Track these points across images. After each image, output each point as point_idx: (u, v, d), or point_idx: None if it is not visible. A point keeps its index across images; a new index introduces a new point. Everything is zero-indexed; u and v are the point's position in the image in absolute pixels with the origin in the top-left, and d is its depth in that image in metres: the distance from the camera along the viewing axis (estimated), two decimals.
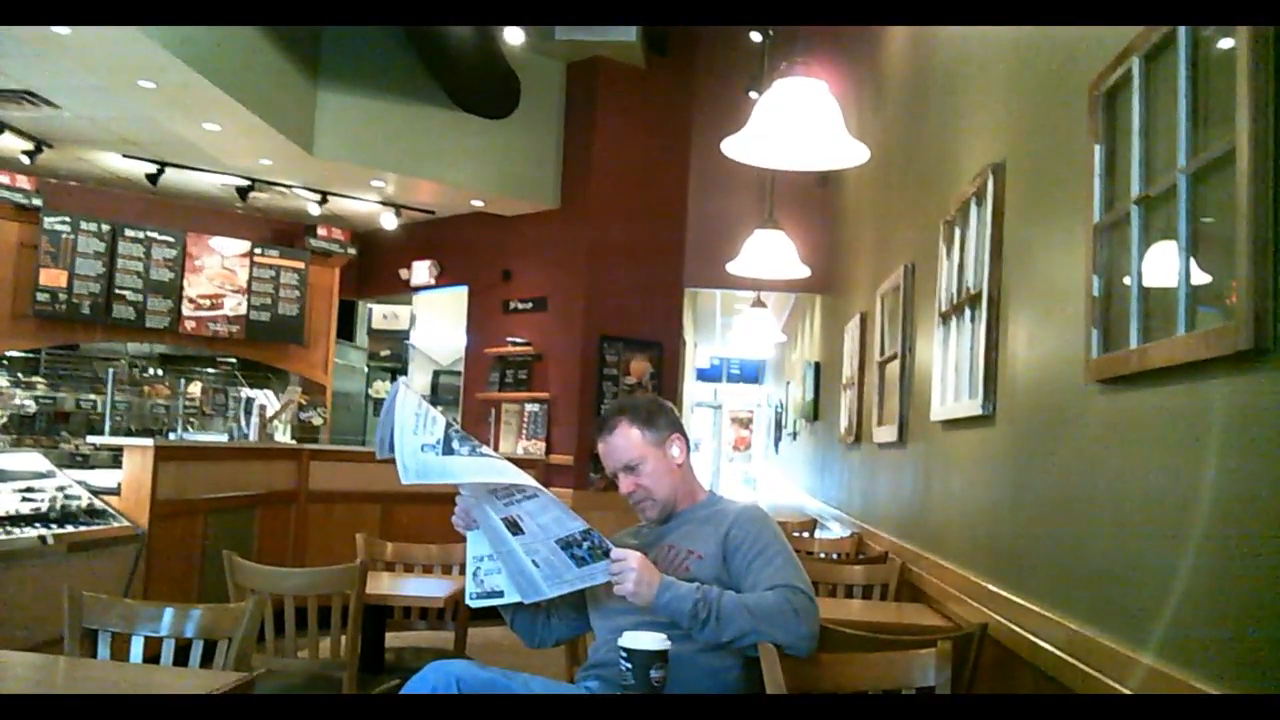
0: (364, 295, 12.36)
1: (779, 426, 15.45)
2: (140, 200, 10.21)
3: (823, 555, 5.82)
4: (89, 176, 10.01)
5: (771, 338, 11.35)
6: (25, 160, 8.91)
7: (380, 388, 13.45)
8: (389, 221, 10.32)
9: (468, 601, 2.68)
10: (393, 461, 2.34)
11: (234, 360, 10.87)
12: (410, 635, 4.80)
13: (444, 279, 10.82)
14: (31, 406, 9.19)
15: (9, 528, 4.84)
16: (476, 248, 10.27)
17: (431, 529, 4.42)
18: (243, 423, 8.52)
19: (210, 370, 11.08)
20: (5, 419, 8.80)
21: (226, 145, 8.16)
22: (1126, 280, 2.29)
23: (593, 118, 9.44)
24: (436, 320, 12.71)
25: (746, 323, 10.01)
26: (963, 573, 3.65)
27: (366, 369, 13.64)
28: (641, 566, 2.44)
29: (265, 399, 8.40)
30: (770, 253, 5.55)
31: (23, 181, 9.15)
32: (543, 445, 9.39)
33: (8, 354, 9.47)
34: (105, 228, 9.44)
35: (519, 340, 9.70)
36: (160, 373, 10.63)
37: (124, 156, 9.19)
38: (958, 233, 4.01)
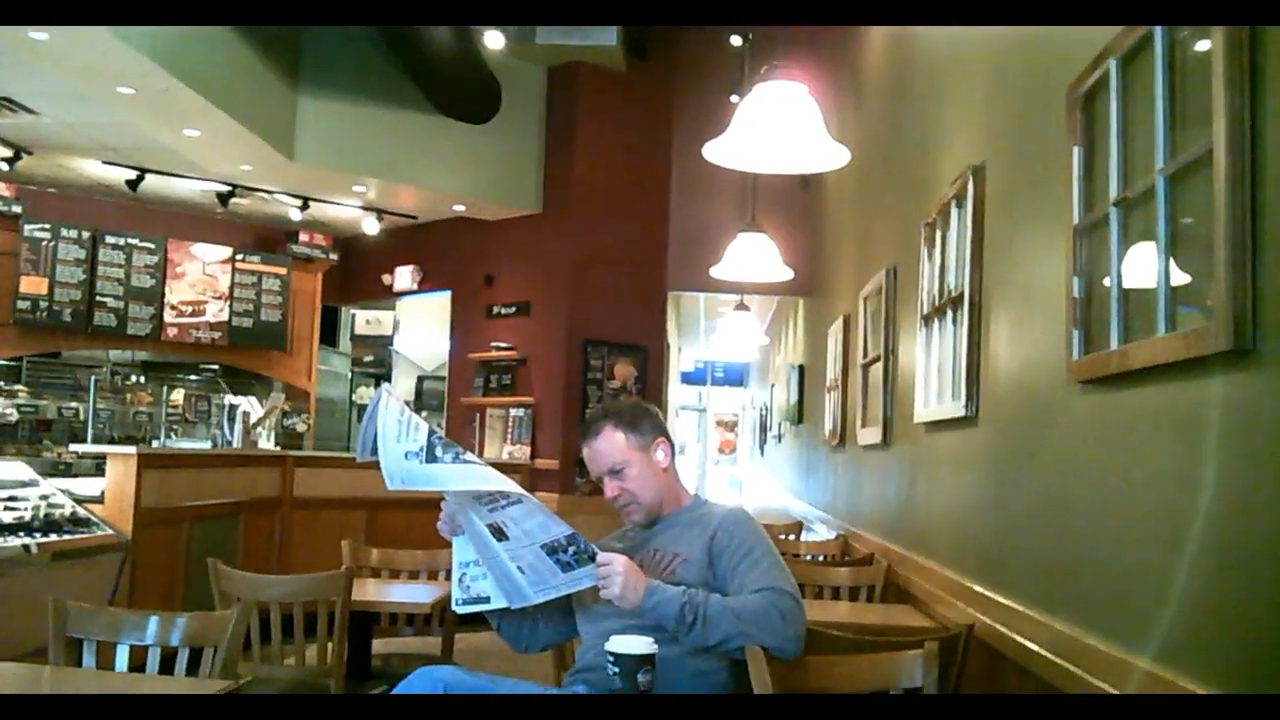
0: (347, 301, 12.32)
1: (764, 429, 15.47)
2: (120, 207, 10.17)
3: (809, 558, 5.83)
4: (69, 183, 9.96)
5: (755, 341, 11.36)
6: (4, 167, 8.86)
7: (364, 393, 13.42)
8: (371, 227, 10.30)
9: (454, 608, 2.68)
10: (374, 464, 2.34)
11: (217, 367, 10.83)
12: (397, 641, 4.80)
13: (427, 284, 10.79)
14: (13, 415, 9.14)
15: None
16: (459, 253, 10.25)
17: (417, 535, 4.42)
18: (226, 430, 8.48)
19: (193, 377, 11.04)
20: None
21: (206, 151, 8.13)
22: (1106, 281, 2.31)
23: (574, 122, 9.44)
24: (420, 326, 12.68)
25: (730, 326, 10.02)
26: (948, 574, 3.67)
27: (350, 375, 13.61)
28: (627, 570, 2.44)
29: (249, 406, 8.36)
30: (753, 256, 5.56)
31: (2, 189, 9.11)
32: (528, 450, 9.38)
33: None
34: (86, 234, 9.40)
35: (503, 345, 9.69)
36: (143, 380, 10.59)
37: (104, 163, 9.15)
38: (939, 235, 4.03)
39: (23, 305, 9.03)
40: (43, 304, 9.13)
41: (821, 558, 5.79)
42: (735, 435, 25.13)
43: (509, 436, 9.58)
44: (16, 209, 9.16)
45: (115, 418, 9.91)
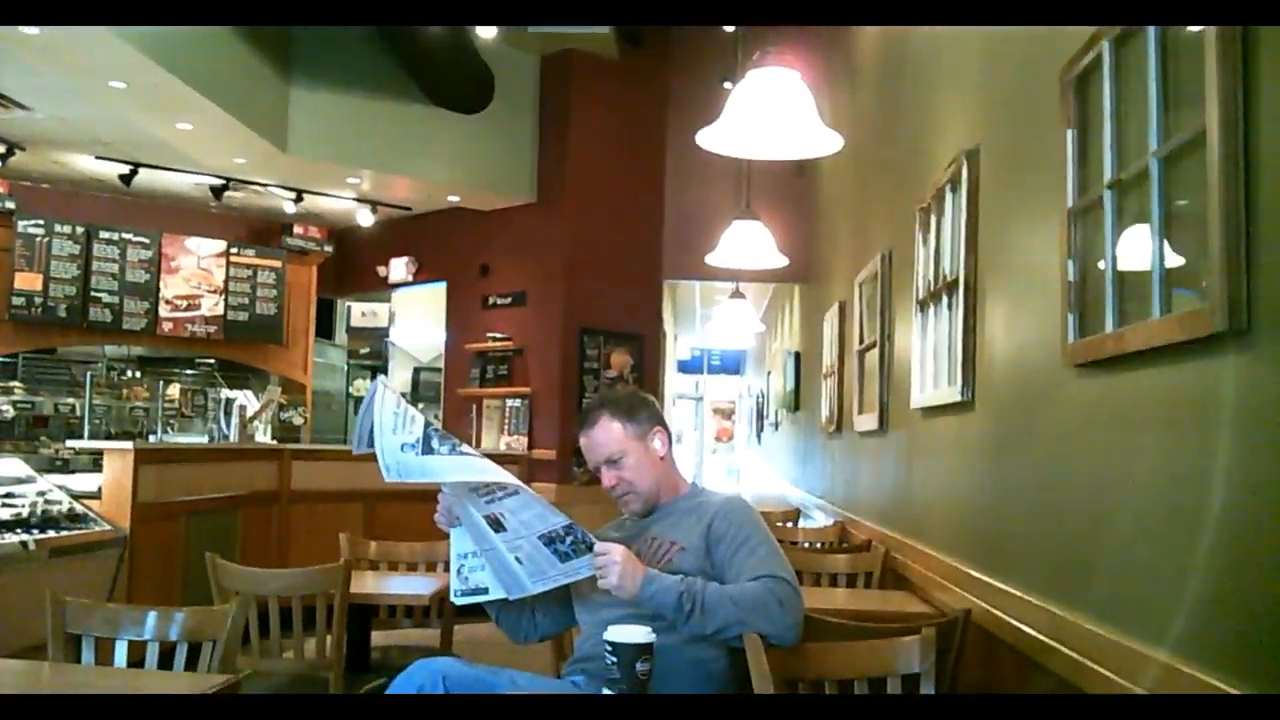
0: (342, 293, 12.31)
1: (761, 417, 15.48)
2: (114, 202, 10.15)
3: (806, 544, 5.83)
4: (62, 179, 9.95)
5: (751, 328, 11.37)
6: None
7: (360, 386, 13.41)
8: (365, 218, 10.29)
9: (453, 599, 2.68)
10: (371, 456, 2.34)
11: (212, 361, 10.83)
12: (396, 634, 4.80)
13: (422, 275, 10.78)
14: (9, 411, 9.14)
15: None
16: (454, 243, 10.24)
17: (415, 526, 4.42)
18: (223, 424, 8.48)
19: (189, 371, 11.04)
20: None
21: (200, 144, 8.12)
22: (1101, 264, 2.30)
23: (567, 110, 9.42)
24: (415, 317, 12.68)
25: (726, 314, 10.01)
26: (945, 559, 3.67)
27: (346, 367, 13.60)
28: (625, 560, 2.44)
29: (245, 399, 8.36)
30: (748, 243, 5.55)
31: None
32: (525, 440, 9.37)
33: None
34: (80, 230, 9.39)
35: (499, 335, 9.68)
36: (139, 375, 10.59)
37: (97, 158, 9.14)
38: (933, 219, 4.02)
39: (17, 302, 9.02)
40: (38, 300, 9.12)
41: (819, 544, 5.80)
42: (732, 423, 25.15)
43: (506, 427, 9.58)
44: (10, 205, 9.15)
45: (112, 413, 9.91)
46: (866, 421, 5.37)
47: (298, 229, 10.92)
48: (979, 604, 3.11)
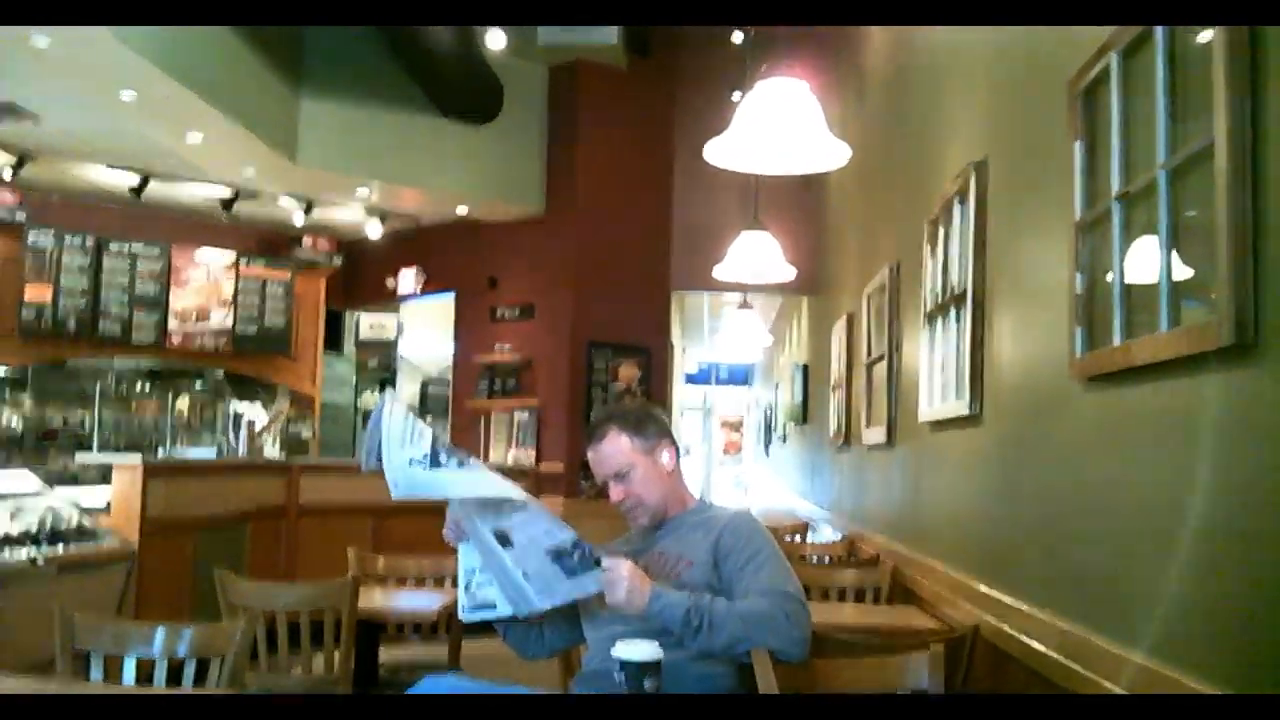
0: (350, 305, 12.30)
1: (769, 429, 15.46)
2: (124, 213, 10.16)
3: (814, 559, 5.82)
4: (72, 190, 9.95)
5: (759, 340, 11.35)
6: (7, 175, 8.85)
7: (369, 398, 13.40)
8: (374, 230, 10.29)
9: (461, 615, 2.67)
10: (378, 474, 2.34)
11: (221, 373, 10.82)
12: (404, 649, 4.79)
13: (430, 287, 10.78)
14: (19, 425, 9.14)
15: None
16: (462, 255, 10.25)
17: (423, 541, 4.42)
18: (231, 437, 8.50)
19: (198, 384, 11.04)
20: None
21: (210, 155, 8.13)
22: (1109, 277, 2.30)
23: (576, 121, 9.43)
24: (424, 329, 12.65)
25: (734, 326, 10.01)
26: (954, 574, 3.66)
27: (355, 379, 13.58)
28: (632, 575, 2.43)
29: (254, 413, 8.38)
30: (756, 255, 5.55)
31: (5, 196, 9.10)
32: (533, 453, 9.37)
33: None
34: (90, 242, 9.40)
35: (507, 348, 9.69)
36: (148, 388, 10.59)
37: (107, 168, 9.15)
38: (941, 231, 4.02)
39: (27, 314, 9.03)
40: (47, 312, 9.13)
41: (827, 559, 5.78)
42: (740, 436, 25.10)
43: (514, 440, 9.57)
44: (20, 216, 9.16)
45: (121, 426, 9.92)
46: (875, 434, 5.36)
47: (306, 241, 10.92)
48: (988, 619, 3.09)
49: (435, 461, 2.35)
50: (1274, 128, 1.68)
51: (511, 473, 8.23)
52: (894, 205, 5.28)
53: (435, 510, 2.56)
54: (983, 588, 3.25)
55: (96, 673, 2.69)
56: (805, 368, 9.80)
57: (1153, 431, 2.12)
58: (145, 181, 9.19)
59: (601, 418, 2.89)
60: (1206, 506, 1.87)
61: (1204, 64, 1.84)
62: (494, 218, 9.86)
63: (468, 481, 2.38)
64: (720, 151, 3.36)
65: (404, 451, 2.34)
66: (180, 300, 9.92)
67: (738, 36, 7.91)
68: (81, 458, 7.43)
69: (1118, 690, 2.11)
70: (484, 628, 2.76)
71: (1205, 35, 1.86)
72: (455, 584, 3.01)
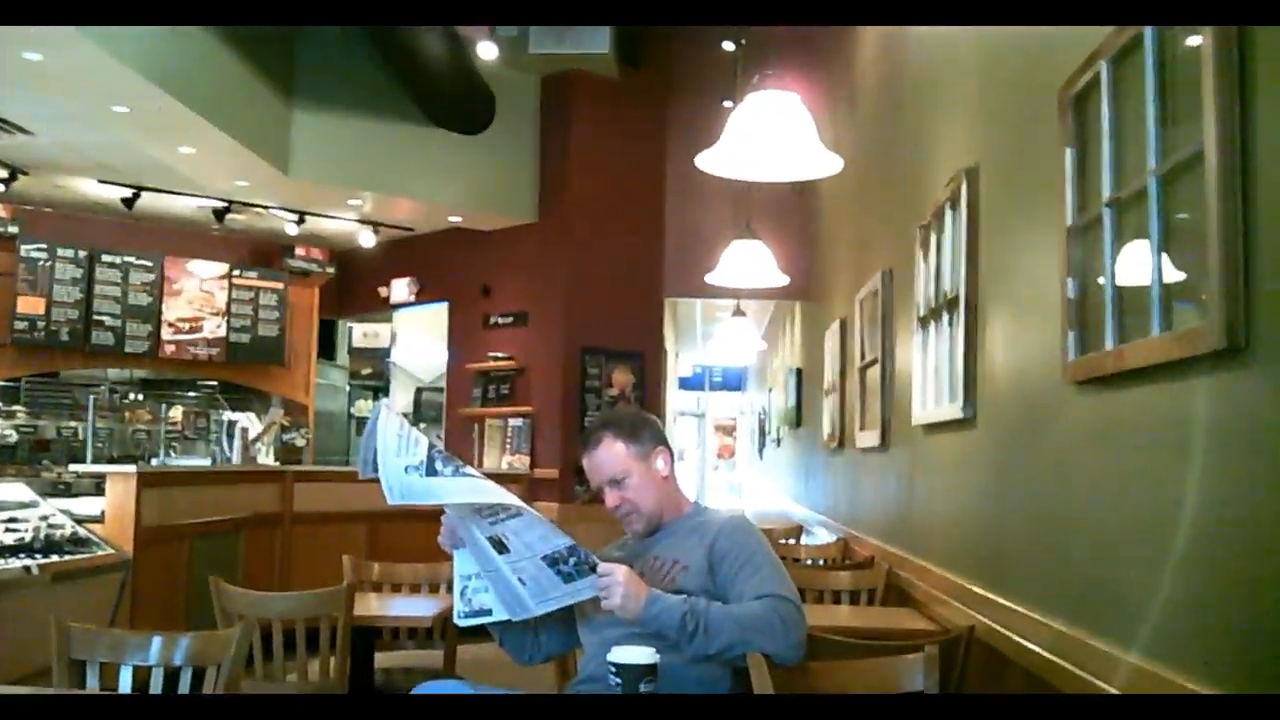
0: (344, 314, 12.32)
1: (763, 433, 15.47)
2: (117, 225, 10.17)
3: (809, 561, 5.84)
4: (65, 203, 9.97)
5: (752, 346, 11.38)
6: (1, 188, 8.87)
7: (363, 406, 13.41)
8: (367, 240, 10.31)
9: (456, 621, 2.68)
10: (376, 481, 2.35)
11: (215, 383, 10.82)
12: (399, 655, 4.79)
13: (424, 296, 10.80)
14: (12, 435, 9.13)
15: None
16: (455, 264, 10.26)
17: (418, 547, 4.42)
18: (225, 446, 8.48)
19: (191, 394, 11.03)
20: None
21: (202, 168, 8.14)
22: (1101, 282, 2.31)
23: (568, 131, 9.45)
24: (417, 337, 12.69)
25: (727, 332, 10.02)
26: (948, 576, 3.67)
27: (348, 388, 13.61)
28: (628, 580, 2.44)
29: (247, 421, 8.37)
30: (748, 262, 5.57)
31: None
32: (527, 459, 9.37)
33: None
34: (82, 254, 9.40)
35: (500, 355, 9.69)
36: (141, 398, 10.59)
37: (100, 182, 9.15)
38: (933, 237, 4.04)
39: (20, 325, 9.03)
40: (40, 324, 9.13)
41: (822, 561, 5.80)
42: (734, 440, 25.13)
43: (508, 446, 9.57)
44: (13, 229, 9.17)
45: (114, 436, 9.91)
46: (868, 438, 5.37)
47: (299, 251, 10.93)
48: (982, 620, 3.11)
49: (431, 469, 2.36)
50: (1263, 133, 1.70)
51: (506, 478, 8.22)
52: (886, 211, 5.30)
53: (430, 516, 2.57)
54: (977, 589, 3.26)
55: (92, 682, 2.70)
56: (799, 372, 9.82)
57: (1145, 435, 2.13)
58: (138, 194, 9.20)
59: (596, 425, 2.90)
60: (1198, 509, 1.89)
61: (1193, 70, 1.86)
62: (487, 226, 9.87)
63: (463, 488, 2.39)
64: (712, 160, 3.38)
65: (399, 459, 2.36)
66: (173, 311, 9.92)
67: (728, 45, 7.93)
68: (75, 468, 7.41)
69: (1112, 690, 2.12)
70: (479, 633, 2.77)
71: (1194, 40, 1.88)
72: (450, 590, 3.02)
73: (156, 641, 2.72)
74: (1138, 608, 2.10)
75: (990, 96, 3.48)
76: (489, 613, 2.63)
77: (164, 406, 10.35)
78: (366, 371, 13.89)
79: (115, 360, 9.92)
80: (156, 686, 2.67)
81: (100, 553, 5.43)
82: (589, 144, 9.46)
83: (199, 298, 10.08)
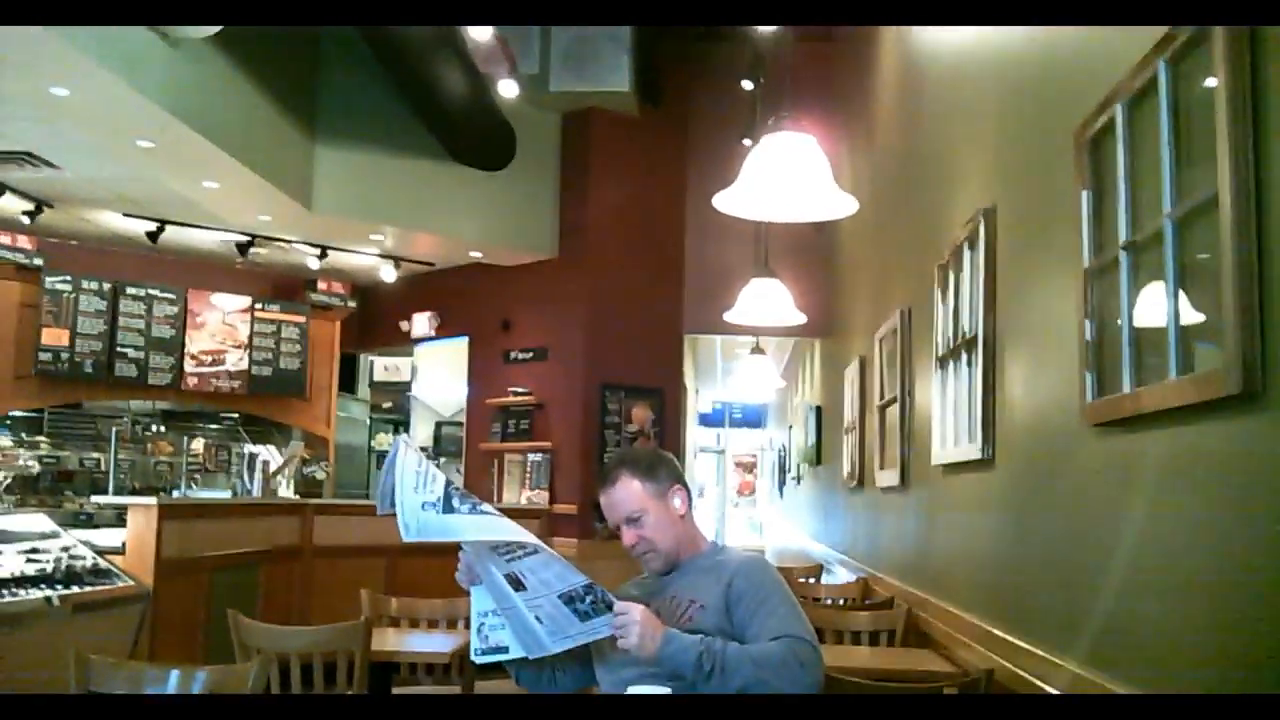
0: (365, 348, 12.37)
1: (783, 470, 15.42)
2: (141, 258, 10.26)
3: (829, 601, 5.81)
4: (89, 236, 10.06)
5: (771, 384, 11.36)
6: (26, 220, 8.95)
7: (383, 440, 13.45)
8: (388, 274, 10.36)
9: (473, 658, 2.68)
10: (393, 516, 2.36)
11: (236, 416, 10.88)
12: (416, 691, 4.79)
13: (444, 330, 10.84)
14: (35, 466, 9.18)
15: (14, 589, 4.84)
16: (476, 298, 10.31)
17: (436, 583, 4.43)
18: (246, 479, 8.53)
19: (213, 426, 11.09)
20: (9, 479, 8.80)
21: (226, 203, 8.21)
22: (1119, 323, 2.32)
23: (588, 168, 9.50)
24: (438, 372, 12.72)
25: (746, 369, 10.03)
26: (968, 617, 3.65)
27: (369, 421, 13.64)
28: (645, 619, 2.44)
29: (268, 454, 8.41)
30: (766, 300, 5.58)
31: (24, 242, 9.19)
32: (546, 495, 9.37)
33: (11, 414, 9.48)
34: (106, 286, 9.48)
35: (520, 390, 9.72)
36: (163, 430, 10.64)
37: (124, 215, 9.24)
38: (952, 276, 4.05)
39: (44, 357, 9.10)
40: (64, 355, 9.21)
41: (842, 601, 5.77)
42: (754, 477, 25.04)
43: (527, 481, 9.58)
44: (38, 262, 9.25)
45: (136, 468, 9.96)
46: (888, 477, 5.36)
47: (321, 285, 11.00)
48: (1002, 663, 3.09)
49: (449, 506, 2.37)
50: (1278, 176, 1.70)
51: (525, 514, 8.24)
52: (905, 251, 5.31)
53: (448, 552, 2.58)
54: (996, 631, 3.25)
55: None
56: (819, 409, 9.81)
57: (1163, 477, 2.13)
58: (162, 227, 9.28)
59: (613, 463, 2.90)
60: (1217, 553, 1.88)
61: (1207, 113, 1.87)
62: (507, 262, 9.92)
63: (480, 526, 2.40)
64: (730, 200, 3.40)
65: (417, 495, 2.36)
66: (196, 343, 9.98)
67: (747, 84, 7.99)
68: (97, 499, 7.45)
69: None
70: (496, 669, 2.76)
71: (1210, 82, 1.89)
72: (468, 626, 3.02)
73: (175, 675, 2.73)
74: (1155, 652, 2.10)
75: (1007, 138, 3.49)
76: (505, 650, 2.63)
77: (186, 439, 10.41)
78: (387, 405, 13.93)
79: (138, 392, 9.98)
80: None
81: (121, 584, 5.46)
82: (609, 180, 9.51)
83: (221, 330, 10.15)
